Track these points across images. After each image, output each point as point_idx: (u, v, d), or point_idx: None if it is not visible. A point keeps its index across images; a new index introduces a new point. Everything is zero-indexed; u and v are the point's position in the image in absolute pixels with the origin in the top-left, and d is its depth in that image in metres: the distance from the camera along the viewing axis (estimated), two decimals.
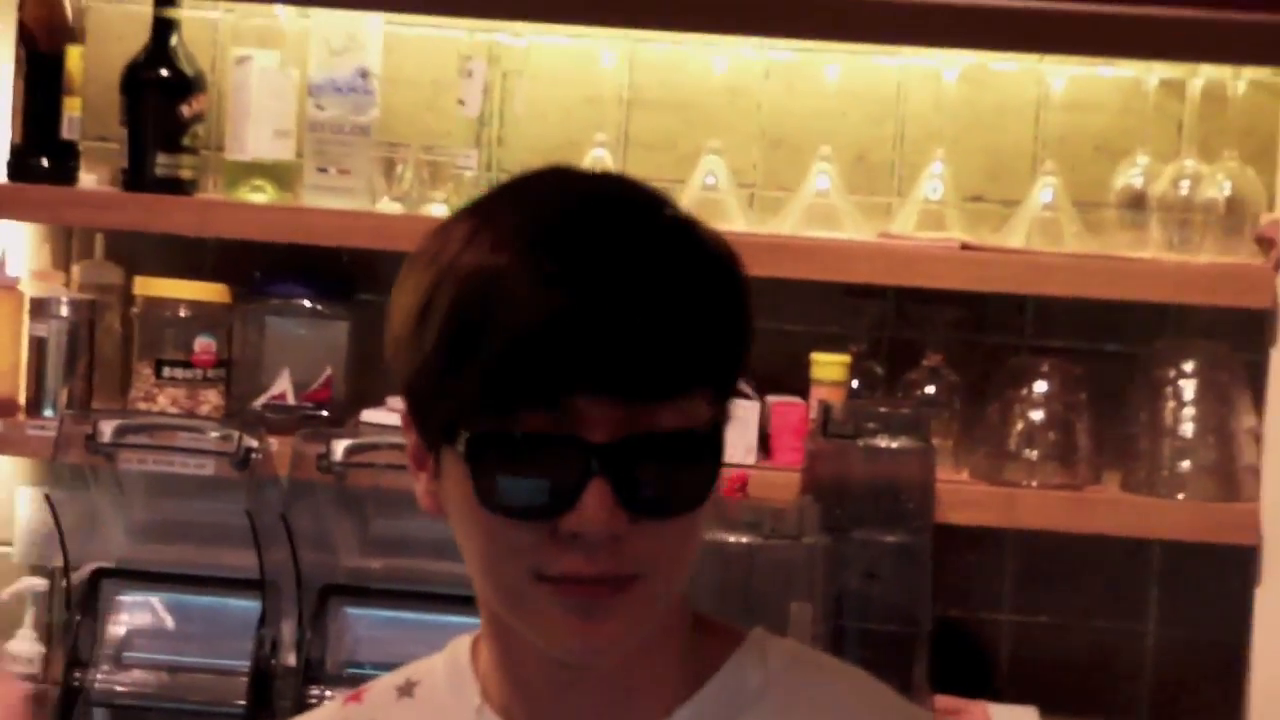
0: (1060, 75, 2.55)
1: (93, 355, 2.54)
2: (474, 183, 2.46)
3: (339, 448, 2.30)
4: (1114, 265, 2.41)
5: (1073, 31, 2.36)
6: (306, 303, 2.53)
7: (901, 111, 2.57)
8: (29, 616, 2.52)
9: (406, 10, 2.54)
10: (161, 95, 2.52)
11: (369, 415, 2.44)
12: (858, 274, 2.41)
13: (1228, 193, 2.44)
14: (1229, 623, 2.48)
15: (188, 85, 2.52)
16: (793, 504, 2.17)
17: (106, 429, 2.34)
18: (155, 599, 2.41)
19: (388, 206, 2.49)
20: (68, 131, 2.53)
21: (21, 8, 2.53)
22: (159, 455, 2.36)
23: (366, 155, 2.50)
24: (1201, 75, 2.48)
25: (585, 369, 1.04)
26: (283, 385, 2.49)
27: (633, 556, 1.07)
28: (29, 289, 2.57)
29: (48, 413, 2.49)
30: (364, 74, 2.51)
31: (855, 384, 2.46)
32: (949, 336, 2.51)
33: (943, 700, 2.28)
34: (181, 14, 2.53)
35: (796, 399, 2.44)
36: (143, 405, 2.49)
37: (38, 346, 2.51)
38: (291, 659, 2.32)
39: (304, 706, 2.21)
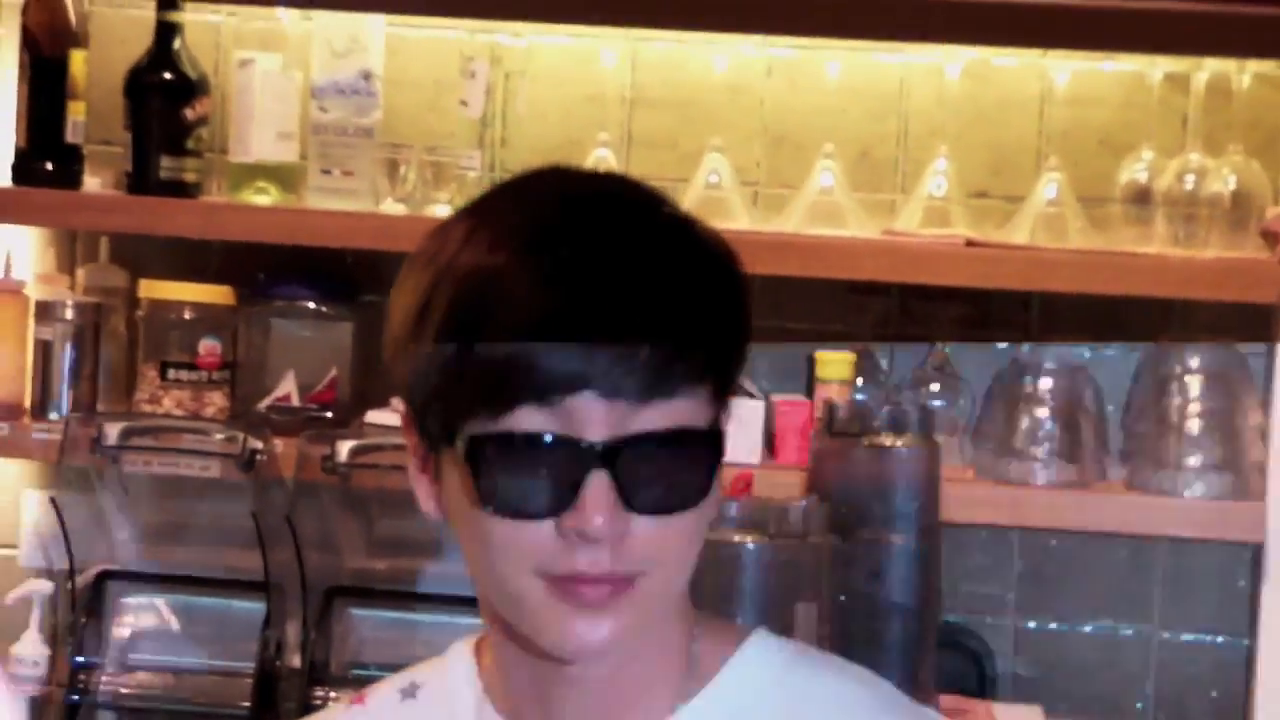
0: (1063, 70, 2.54)
1: (97, 358, 2.54)
2: (477, 183, 2.46)
3: (344, 449, 2.30)
4: (1119, 261, 2.40)
5: (1076, 26, 2.36)
6: (311, 304, 2.53)
7: (904, 108, 2.57)
8: (34, 619, 2.52)
9: (408, 12, 2.54)
10: (165, 98, 2.52)
11: (373, 416, 2.44)
12: (862, 271, 2.41)
13: (1233, 187, 2.43)
14: (1235, 621, 2.48)
15: (191, 88, 2.52)
16: (798, 503, 2.17)
17: (112, 431, 2.35)
18: (160, 601, 2.41)
19: (391, 208, 2.49)
20: (72, 135, 2.53)
21: (25, 12, 2.53)
22: (164, 457, 2.36)
23: (370, 157, 2.50)
24: (1206, 69, 2.47)
25: (584, 368, 1.04)
26: (287, 387, 2.49)
27: (634, 555, 1.07)
28: (34, 292, 2.57)
29: (53, 416, 2.49)
30: (366, 76, 2.51)
31: (860, 382, 2.46)
32: (954, 333, 2.51)
33: (947, 700, 2.28)
34: (184, 18, 2.54)
35: (801, 398, 2.44)
36: (148, 407, 2.49)
37: (43, 350, 2.52)
38: (296, 660, 2.33)
39: (309, 708, 2.21)
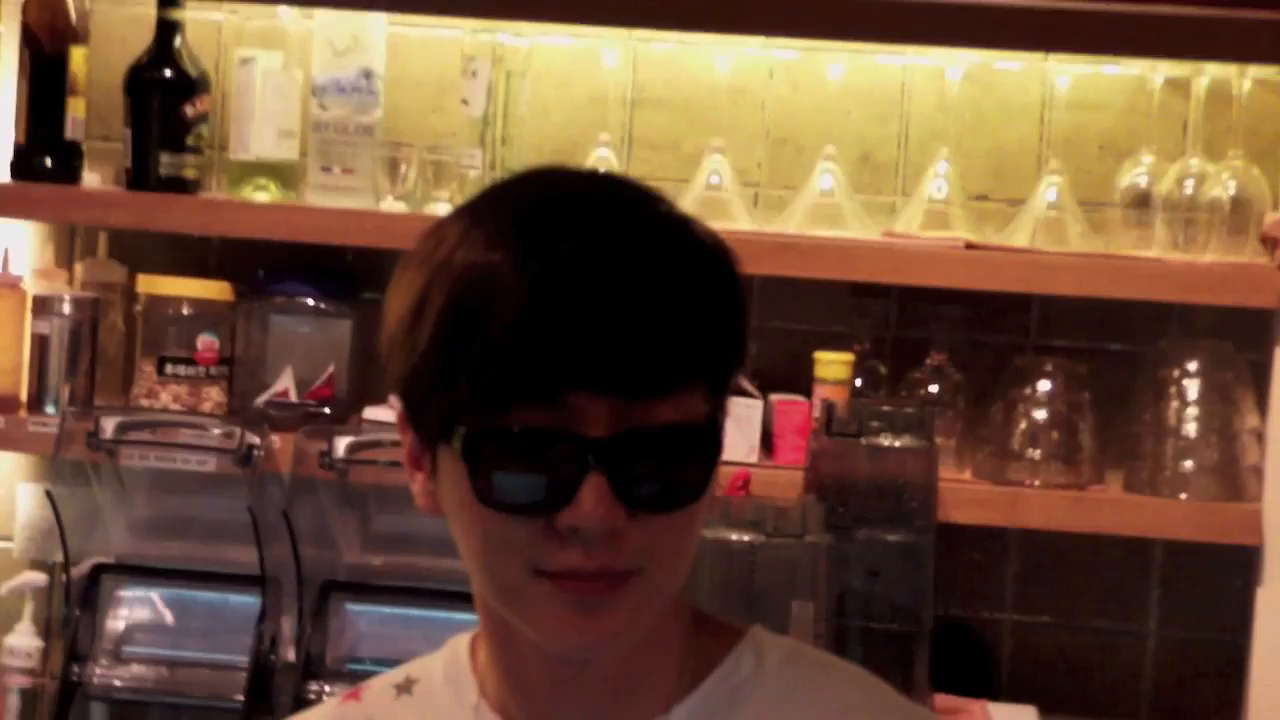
0: (1065, 74, 2.54)
1: (95, 353, 2.54)
2: (478, 182, 2.46)
3: (341, 445, 2.30)
4: (1119, 265, 2.40)
5: (1077, 30, 2.36)
6: (310, 301, 2.53)
7: (906, 111, 2.57)
8: (28, 611, 2.53)
9: (410, 11, 2.54)
10: (165, 95, 2.52)
11: (371, 413, 2.45)
12: (862, 273, 2.41)
13: (1233, 192, 2.43)
14: (1230, 623, 2.48)
15: (191, 86, 2.53)
16: (795, 503, 2.17)
17: (108, 425, 2.35)
18: (155, 594, 2.41)
19: (391, 206, 2.49)
20: (71, 131, 2.53)
21: (25, 10, 2.54)
22: (161, 451, 2.36)
23: (370, 155, 2.50)
24: (1207, 74, 2.47)
25: (581, 364, 1.04)
26: (285, 383, 2.49)
27: (631, 551, 1.06)
28: (32, 287, 2.58)
29: (49, 409, 2.49)
30: (368, 74, 2.52)
31: (859, 383, 2.46)
32: (953, 335, 2.51)
33: (943, 699, 2.28)
34: (185, 15, 2.54)
35: (800, 398, 2.44)
36: (145, 402, 2.49)
37: (40, 344, 2.52)
38: (291, 655, 2.33)
39: (303, 702, 2.21)
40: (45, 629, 2.55)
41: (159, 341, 2.51)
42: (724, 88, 2.58)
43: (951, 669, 2.39)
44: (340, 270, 2.57)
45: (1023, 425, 2.43)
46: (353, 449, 2.30)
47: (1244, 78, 2.47)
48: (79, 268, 2.64)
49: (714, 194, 2.49)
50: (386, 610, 2.34)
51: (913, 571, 2.17)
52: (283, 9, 2.55)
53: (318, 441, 2.32)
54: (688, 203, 2.40)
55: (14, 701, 2.49)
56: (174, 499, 2.45)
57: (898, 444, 2.24)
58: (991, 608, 2.58)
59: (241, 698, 2.30)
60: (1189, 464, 2.40)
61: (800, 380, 2.45)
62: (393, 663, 1.23)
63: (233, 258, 2.60)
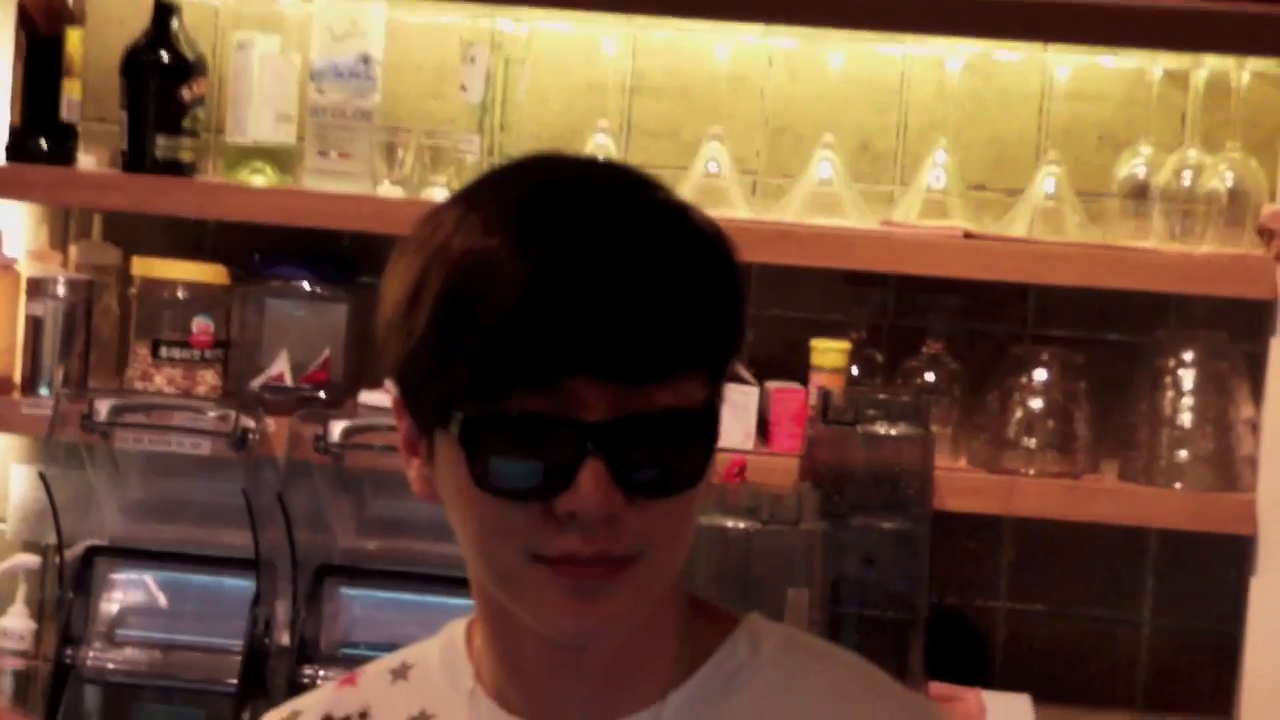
0: (1064, 65, 2.54)
1: (89, 335, 2.53)
2: (475, 168, 2.45)
3: (336, 429, 2.30)
4: (1116, 255, 2.40)
5: (1076, 21, 2.36)
6: (306, 285, 2.53)
7: (905, 100, 2.57)
8: (21, 593, 2.53)
9: None
10: (162, 78, 2.51)
11: (366, 397, 2.44)
12: (859, 261, 2.41)
13: (1230, 184, 2.44)
14: (1224, 612, 2.48)
15: (188, 68, 2.52)
16: (791, 490, 2.17)
17: (102, 408, 2.34)
18: (149, 577, 2.41)
19: (388, 190, 2.49)
20: (67, 113, 2.53)
21: None
22: (156, 434, 2.36)
23: (368, 140, 2.50)
24: (1205, 66, 2.47)
25: (580, 350, 1.04)
26: (281, 366, 2.49)
27: (629, 536, 1.06)
28: (26, 269, 2.57)
29: (43, 391, 2.49)
30: (366, 59, 2.51)
31: (855, 371, 2.46)
32: (950, 324, 2.51)
33: (938, 687, 2.28)
34: None
35: (796, 385, 2.44)
36: (139, 385, 2.48)
37: (34, 326, 2.51)
38: (285, 638, 2.33)
39: (297, 686, 2.21)
40: (39, 611, 2.54)
41: (154, 324, 2.51)
42: (723, 76, 2.57)
43: (946, 657, 2.39)
44: (336, 254, 2.56)
45: (1019, 414, 2.43)
46: (348, 433, 2.30)
47: (1243, 70, 2.47)
48: (74, 250, 2.64)
49: (712, 182, 2.49)
50: (381, 595, 2.34)
51: (908, 559, 2.17)
52: None
53: (313, 425, 2.32)
54: (686, 190, 2.40)
55: (7, 684, 2.49)
56: (168, 482, 2.45)
57: (893, 432, 2.24)
58: (986, 596, 2.58)
59: (235, 681, 2.30)
60: (1184, 454, 2.40)
61: (797, 368, 2.45)
62: (387, 647, 1.23)
63: (228, 241, 2.59)
